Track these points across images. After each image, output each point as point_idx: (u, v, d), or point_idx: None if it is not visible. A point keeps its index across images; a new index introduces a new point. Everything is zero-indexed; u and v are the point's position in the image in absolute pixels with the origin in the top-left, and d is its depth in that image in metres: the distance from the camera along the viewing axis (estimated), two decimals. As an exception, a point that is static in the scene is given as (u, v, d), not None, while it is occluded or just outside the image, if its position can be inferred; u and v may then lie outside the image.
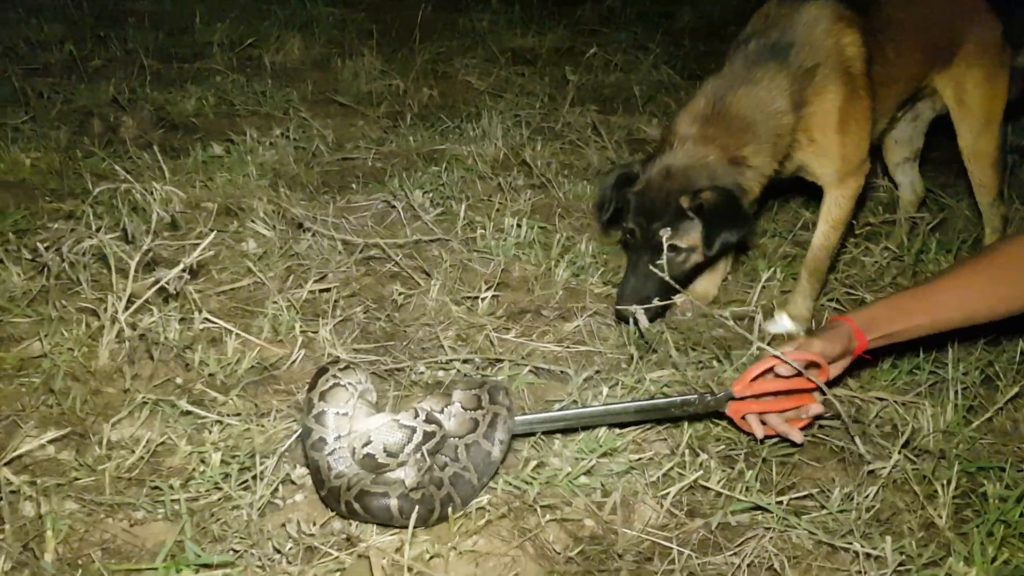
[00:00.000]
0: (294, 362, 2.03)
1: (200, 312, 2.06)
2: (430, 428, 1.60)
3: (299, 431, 1.69)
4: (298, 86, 3.80)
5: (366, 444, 1.57)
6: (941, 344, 2.25)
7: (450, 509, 1.57)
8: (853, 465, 1.88)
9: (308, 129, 3.31)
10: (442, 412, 1.67)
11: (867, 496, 1.73)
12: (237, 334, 2.06)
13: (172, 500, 1.61)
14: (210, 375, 1.96)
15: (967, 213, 3.06)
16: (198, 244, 1.95)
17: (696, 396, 1.80)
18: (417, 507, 1.52)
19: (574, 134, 3.51)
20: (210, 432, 1.78)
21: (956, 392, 2.05)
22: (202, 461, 1.70)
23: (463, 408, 1.69)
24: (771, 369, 1.77)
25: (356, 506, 1.54)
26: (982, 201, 2.79)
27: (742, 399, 1.82)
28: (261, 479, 1.63)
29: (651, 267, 2.12)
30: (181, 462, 1.72)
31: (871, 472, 1.81)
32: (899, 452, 1.81)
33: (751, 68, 2.21)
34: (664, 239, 2.07)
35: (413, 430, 1.58)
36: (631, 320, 2.15)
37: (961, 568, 1.49)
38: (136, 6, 4.82)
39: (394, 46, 4.41)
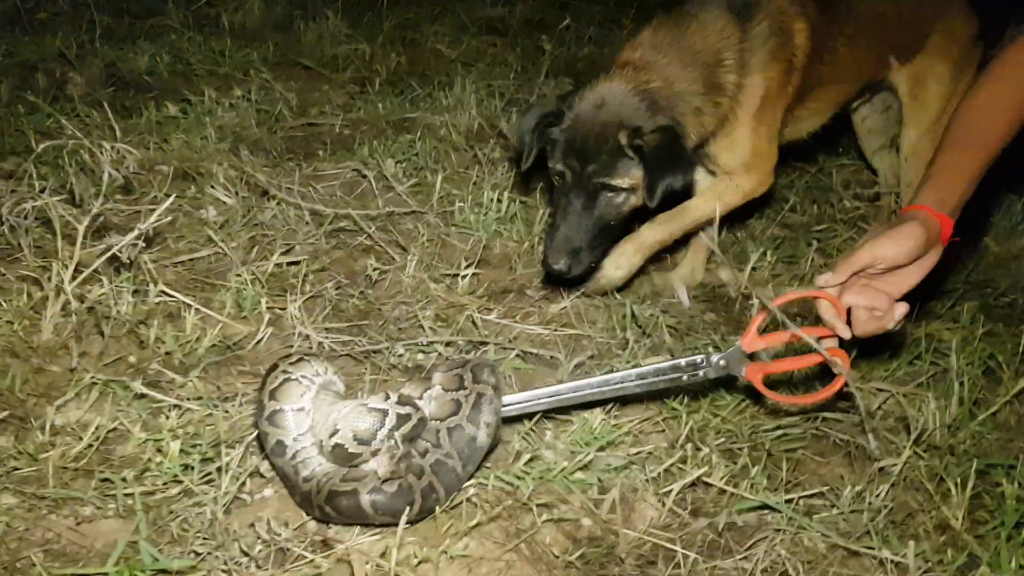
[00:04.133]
0: (260, 341, 1.85)
1: (156, 285, 1.88)
2: (404, 411, 1.44)
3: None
4: (258, 47, 3.56)
5: (333, 434, 1.40)
6: (940, 333, 2.16)
7: (434, 500, 1.42)
8: (859, 460, 1.77)
9: (270, 92, 3.10)
10: (421, 398, 1.52)
11: (879, 495, 1.62)
12: (197, 309, 1.88)
13: (125, 494, 1.43)
14: (167, 354, 1.78)
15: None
16: (153, 209, 1.76)
17: (702, 357, 1.61)
18: (393, 501, 1.37)
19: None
20: (167, 417, 1.60)
21: (961, 384, 1.95)
22: (159, 450, 1.53)
23: (444, 389, 1.53)
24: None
25: (328, 509, 1.38)
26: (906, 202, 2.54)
27: (755, 358, 1.64)
28: (226, 472, 1.46)
29: (584, 212, 1.97)
30: (135, 451, 1.54)
31: (881, 470, 1.71)
32: (910, 448, 1.71)
33: (710, 11, 2.07)
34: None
35: (385, 413, 1.41)
36: (562, 275, 2.01)
37: (989, 576, 1.39)
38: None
39: (359, 11, 4.19)
